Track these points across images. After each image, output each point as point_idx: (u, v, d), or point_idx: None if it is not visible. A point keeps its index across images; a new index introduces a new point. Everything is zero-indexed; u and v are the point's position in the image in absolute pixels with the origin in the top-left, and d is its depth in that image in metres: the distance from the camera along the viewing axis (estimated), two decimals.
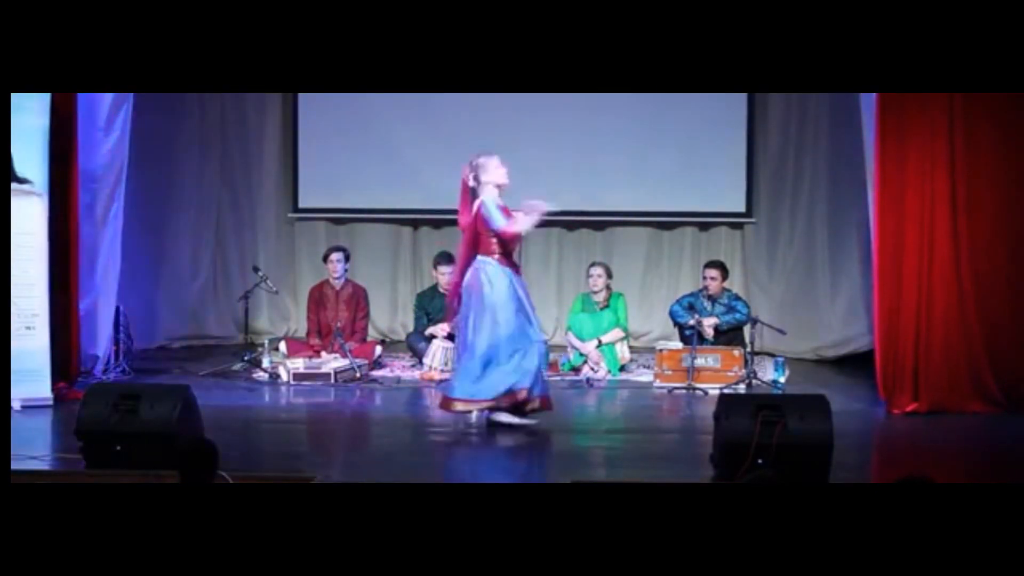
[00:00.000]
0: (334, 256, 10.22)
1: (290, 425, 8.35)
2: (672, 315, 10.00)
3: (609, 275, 10.00)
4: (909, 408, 8.34)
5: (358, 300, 10.25)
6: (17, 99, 7.88)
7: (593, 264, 10.17)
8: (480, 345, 7.55)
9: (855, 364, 10.10)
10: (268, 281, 10.46)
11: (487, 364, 7.54)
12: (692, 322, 9.58)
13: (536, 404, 7.70)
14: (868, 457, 7.58)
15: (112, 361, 9.48)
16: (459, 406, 7.68)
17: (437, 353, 9.72)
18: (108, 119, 9.14)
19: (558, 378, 9.34)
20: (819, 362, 10.63)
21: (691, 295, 10.03)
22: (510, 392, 7.57)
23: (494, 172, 7.64)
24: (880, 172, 8.34)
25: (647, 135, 11.28)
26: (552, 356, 9.66)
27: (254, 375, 9.64)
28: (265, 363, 9.63)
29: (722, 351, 9.38)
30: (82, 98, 8.75)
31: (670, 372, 9.31)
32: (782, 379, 9.27)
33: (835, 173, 10.83)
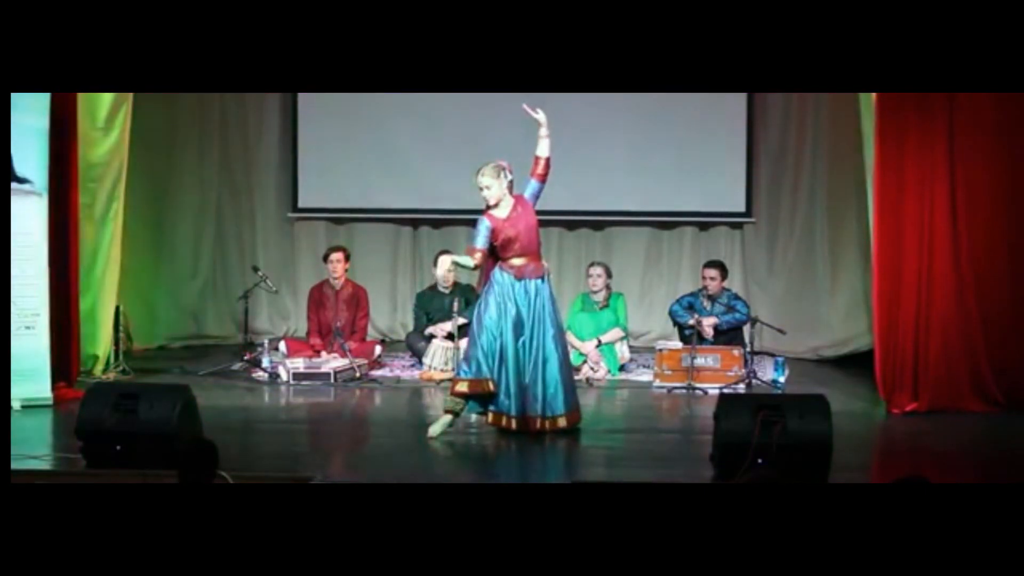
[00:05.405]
0: (334, 256, 10.21)
1: (290, 425, 8.35)
2: (672, 315, 10.00)
3: (609, 275, 10.00)
4: (909, 408, 8.34)
5: (358, 300, 10.24)
6: (17, 99, 7.87)
7: (593, 264, 10.17)
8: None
9: (855, 364, 10.10)
10: (268, 281, 10.46)
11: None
12: (692, 322, 9.58)
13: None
14: (868, 457, 7.57)
15: (112, 361, 9.48)
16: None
17: (437, 353, 9.72)
18: (108, 118, 9.16)
19: None
20: (819, 362, 10.63)
21: (691, 295, 10.03)
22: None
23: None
24: (880, 172, 8.34)
25: (647, 135, 11.28)
26: None
27: (254, 375, 9.65)
28: (265, 363, 9.63)
29: (722, 351, 9.38)
30: (82, 98, 8.76)
31: (670, 372, 9.31)
32: (782, 379, 9.26)
33: (835, 173, 10.83)
